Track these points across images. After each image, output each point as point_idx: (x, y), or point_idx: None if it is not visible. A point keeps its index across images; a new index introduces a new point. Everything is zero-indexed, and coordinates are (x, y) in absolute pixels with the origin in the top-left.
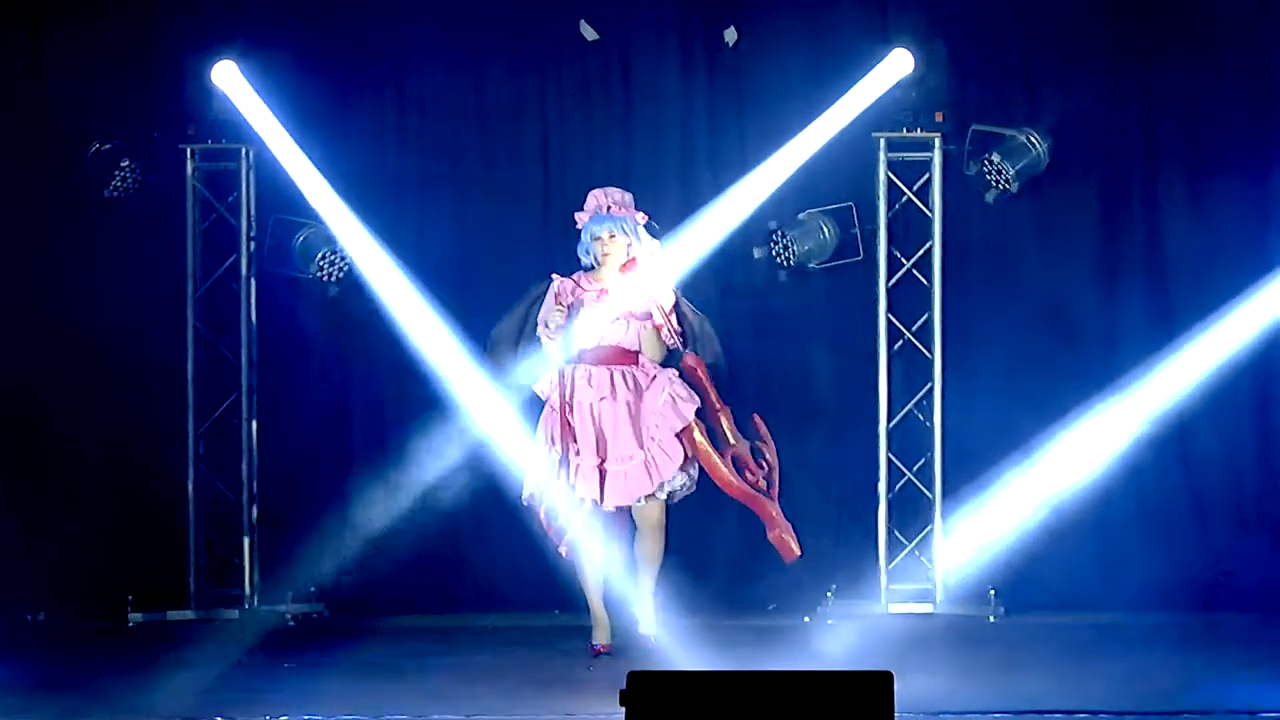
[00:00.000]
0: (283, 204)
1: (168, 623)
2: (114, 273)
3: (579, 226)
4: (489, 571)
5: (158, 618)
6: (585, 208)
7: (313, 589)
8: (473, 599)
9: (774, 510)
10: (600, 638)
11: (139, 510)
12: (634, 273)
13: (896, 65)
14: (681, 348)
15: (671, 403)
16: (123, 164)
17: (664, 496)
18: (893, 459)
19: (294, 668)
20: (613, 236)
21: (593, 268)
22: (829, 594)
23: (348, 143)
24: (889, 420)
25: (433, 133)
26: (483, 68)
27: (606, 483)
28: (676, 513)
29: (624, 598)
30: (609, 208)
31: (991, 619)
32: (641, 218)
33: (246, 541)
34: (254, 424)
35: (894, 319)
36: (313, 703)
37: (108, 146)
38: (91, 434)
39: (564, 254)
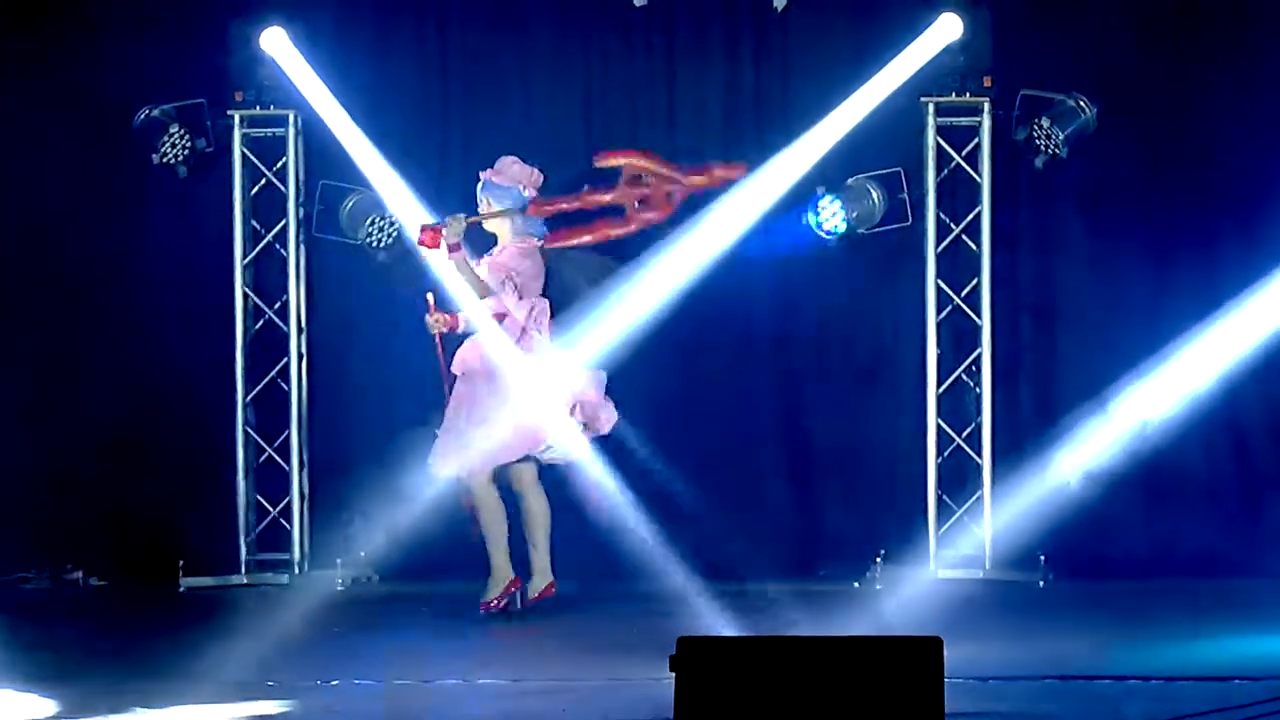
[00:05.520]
0: (331, 169)
1: (218, 588)
2: (163, 239)
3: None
4: None
5: (208, 583)
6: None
7: (362, 555)
8: (520, 565)
9: None
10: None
11: (190, 477)
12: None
13: (945, 29)
14: None
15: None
16: (172, 130)
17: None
18: (942, 425)
19: (343, 633)
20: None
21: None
22: (879, 559)
23: (394, 106)
24: (938, 386)
25: (477, 94)
26: (526, 29)
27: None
28: (727, 475)
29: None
30: (493, 178)
31: (1040, 584)
32: (530, 192)
33: (297, 507)
34: (304, 390)
35: (943, 285)
36: (362, 668)
37: (156, 113)
38: (142, 401)
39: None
